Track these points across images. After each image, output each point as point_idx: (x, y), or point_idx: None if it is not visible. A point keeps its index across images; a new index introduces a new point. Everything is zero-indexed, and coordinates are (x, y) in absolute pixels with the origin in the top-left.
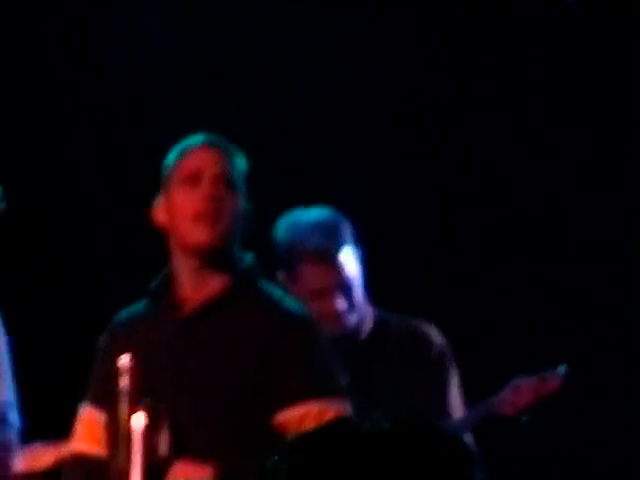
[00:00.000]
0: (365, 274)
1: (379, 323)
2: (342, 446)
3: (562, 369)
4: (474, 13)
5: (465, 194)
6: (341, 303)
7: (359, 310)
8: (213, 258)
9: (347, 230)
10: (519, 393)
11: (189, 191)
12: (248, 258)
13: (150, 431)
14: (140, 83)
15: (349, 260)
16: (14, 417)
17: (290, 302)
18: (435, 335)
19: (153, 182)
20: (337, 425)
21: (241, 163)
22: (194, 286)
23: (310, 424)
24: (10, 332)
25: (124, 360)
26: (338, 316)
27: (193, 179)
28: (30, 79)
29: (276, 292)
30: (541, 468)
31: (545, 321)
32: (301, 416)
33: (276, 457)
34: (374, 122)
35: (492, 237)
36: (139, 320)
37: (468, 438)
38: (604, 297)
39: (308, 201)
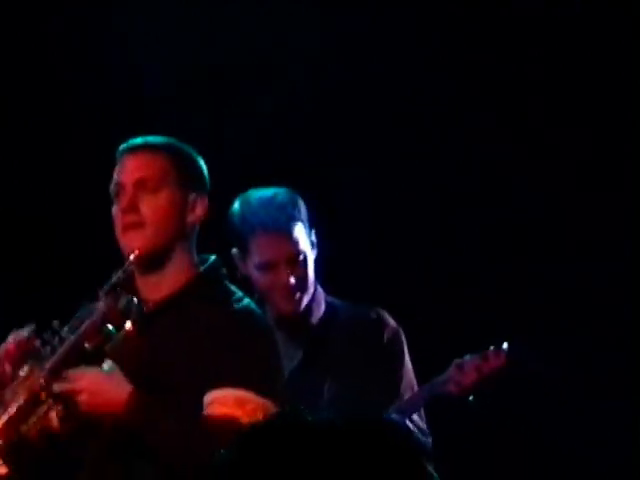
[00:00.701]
0: (322, 261)
1: (330, 309)
2: (286, 440)
3: (505, 346)
4: (474, 13)
5: (465, 194)
6: (291, 277)
7: (310, 292)
8: (153, 262)
9: (302, 210)
10: (462, 372)
11: (115, 204)
12: (210, 259)
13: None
14: (140, 83)
15: (302, 237)
16: None
17: (247, 302)
18: (386, 320)
19: None
20: (282, 418)
21: (171, 157)
22: (147, 288)
23: (216, 410)
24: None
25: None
26: (287, 291)
27: (116, 192)
28: (30, 79)
29: (237, 294)
30: (541, 468)
31: (545, 321)
32: (211, 400)
33: (221, 452)
34: (374, 122)
35: (492, 237)
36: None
37: (416, 418)
38: (604, 297)
39: (307, 201)
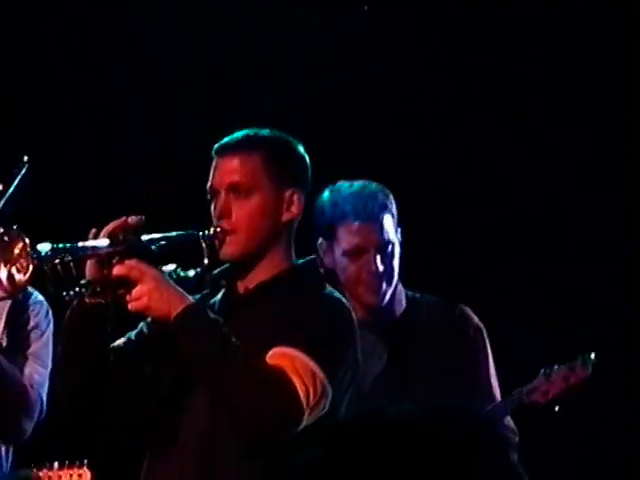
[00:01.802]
0: (401, 257)
1: (412, 304)
2: (369, 434)
3: (592, 357)
4: (474, 13)
5: (465, 194)
6: (380, 265)
7: (393, 286)
8: (245, 263)
9: (391, 203)
10: (550, 381)
11: (211, 206)
12: (308, 258)
13: None
14: (140, 83)
15: (391, 228)
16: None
17: (337, 294)
18: (470, 317)
19: (153, 181)
20: (366, 413)
21: (266, 155)
22: (240, 278)
23: (268, 360)
24: None
25: None
26: (373, 280)
27: (211, 194)
28: (30, 79)
29: (329, 288)
30: (541, 468)
31: (545, 321)
32: (268, 355)
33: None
34: (374, 122)
35: (492, 237)
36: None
37: (509, 421)
38: (604, 297)
39: (307, 201)
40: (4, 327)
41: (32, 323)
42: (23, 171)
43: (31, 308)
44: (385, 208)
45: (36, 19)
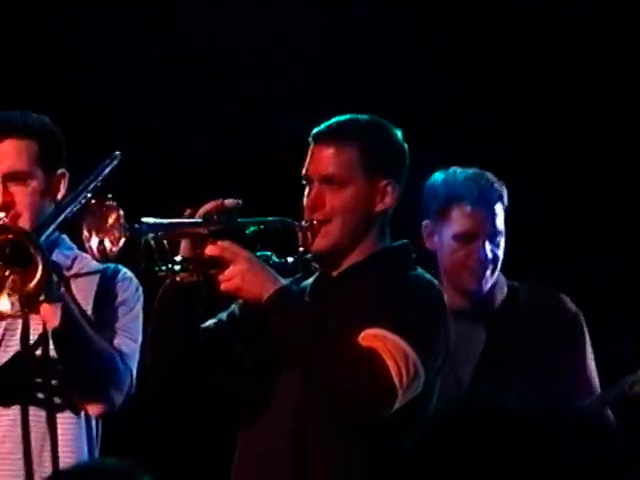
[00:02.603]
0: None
1: (511, 292)
2: (477, 423)
3: None
4: (474, 13)
5: None
6: (489, 252)
7: (496, 275)
8: (339, 252)
9: (505, 193)
10: None
11: (305, 192)
12: (400, 241)
13: None
14: (138, 83)
15: (502, 218)
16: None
17: (429, 276)
18: (568, 305)
19: (153, 181)
20: (463, 403)
21: (361, 146)
22: (331, 262)
23: (360, 341)
24: None
25: None
26: (480, 266)
27: (306, 181)
28: (30, 79)
29: (420, 270)
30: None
31: None
32: (360, 336)
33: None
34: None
35: None
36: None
37: (608, 413)
38: (604, 297)
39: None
40: (93, 302)
41: (121, 298)
42: (113, 163)
43: (120, 284)
44: (500, 197)
45: (36, 19)
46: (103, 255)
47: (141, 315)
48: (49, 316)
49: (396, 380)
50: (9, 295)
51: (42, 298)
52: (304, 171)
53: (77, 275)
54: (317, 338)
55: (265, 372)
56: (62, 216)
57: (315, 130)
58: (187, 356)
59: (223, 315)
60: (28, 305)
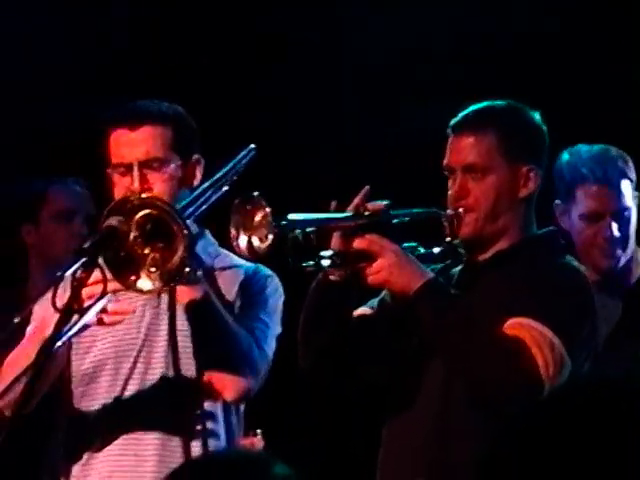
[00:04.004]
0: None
1: None
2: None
3: None
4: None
5: None
6: (615, 230)
7: (629, 252)
8: (485, 240)
9: (630, 168)
10: None
11: (449, 183)
12: (546, 229)
13: None
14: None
15: (629, 194)
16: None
17: (575, 263)
18: None
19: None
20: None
21: (500, 133)
22: (474, 249)
23: (505, 331)
24: None
25: None
26: (608, 244)
27: (448, 172)
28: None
29: (566, 258)
30: None
31: None
32: (505, 325)
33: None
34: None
35: None
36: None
37: None
38: None
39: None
40: (235, 296)
41: (261, 294)
42: (249, 155)
43: (261, 281)
44: (624, 174)
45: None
46: (252, 253)
47: (280, 311)
48: (186, 297)
49: (543, 371)
50: (149, 273)
51: (180, 279)
52: (445, 162)
53: (219, 270)
54: (464, 330)
55: (412, 360)
56: (198, 202)
57: (453, 121)
58: (337, 346)
59: (374, 302)
60: (167, 284)
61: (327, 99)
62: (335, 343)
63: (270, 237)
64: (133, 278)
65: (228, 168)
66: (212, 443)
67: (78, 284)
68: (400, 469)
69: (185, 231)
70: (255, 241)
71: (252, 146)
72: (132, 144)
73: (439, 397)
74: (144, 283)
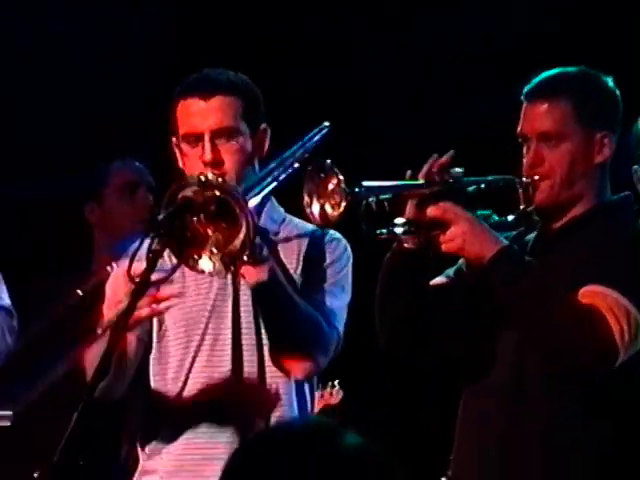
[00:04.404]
0: None
1: None
2: None
3: None
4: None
5: None
6: None
7: None
8: (560, 207)
9: None
10: None
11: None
12: (620, 195)
13: None
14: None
15: None
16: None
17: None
18: None
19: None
20: None
21: (572, 100)
22: (548, 217)
23: (580, 299)
24: None
25: None
26: None
27: (523, 141)
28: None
29: (638, 223)
30: None
31: None
32: (582, 293)
33: None
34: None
35: None
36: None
37: None
38: None
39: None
40: (302, 263)
41: (329, 259)
42: (322, 133)
43: (328, 244)
44: None
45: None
46: (325, 220)
47: (350, 275)
48: (251, 278)
49: (618, 338)
50: (211, 254)
51: (245, 259)
52: (519, 130)
53: (285, 239)
54: (538, 298)
55: (487, 328)
56: (268, 180)
57: (526, 88)
58: (413, 315)
59: (450, 272)
60: (230, 265)
61: (405, 82)
62: (411, 312)
63: (343, 204)
64: (195, 257)
65: (297, 147)
66: (284, 417)
67: (154, 256)
68: (473, 438)
69: (247, 215)
70: (328, 208)
71: (326, 124)
72: (204, 114)
73: (513, 365)
74: (205, 263)
